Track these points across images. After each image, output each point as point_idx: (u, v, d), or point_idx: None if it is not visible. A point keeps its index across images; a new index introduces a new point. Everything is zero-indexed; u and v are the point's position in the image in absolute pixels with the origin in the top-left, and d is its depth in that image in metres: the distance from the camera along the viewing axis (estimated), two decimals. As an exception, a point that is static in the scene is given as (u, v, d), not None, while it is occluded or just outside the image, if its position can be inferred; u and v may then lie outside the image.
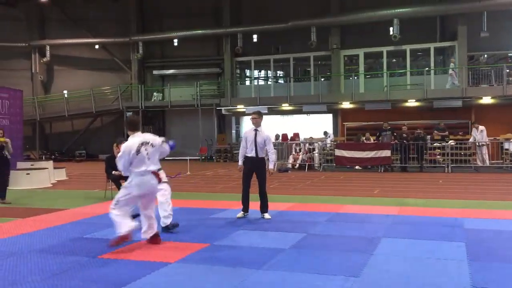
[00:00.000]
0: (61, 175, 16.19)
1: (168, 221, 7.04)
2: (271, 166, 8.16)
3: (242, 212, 8.18)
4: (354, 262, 5.32)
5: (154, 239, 6.30)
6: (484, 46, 23.49)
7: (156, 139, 6.31)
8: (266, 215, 8.10)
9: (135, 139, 6.13)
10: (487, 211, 8.71)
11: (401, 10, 23.17)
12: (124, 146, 6.13)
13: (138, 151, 6.03)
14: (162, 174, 6.67)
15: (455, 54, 23.16)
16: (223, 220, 7.94)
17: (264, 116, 8.77)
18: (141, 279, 4.78)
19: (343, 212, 8.70)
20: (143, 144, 6.10)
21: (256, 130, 8.17)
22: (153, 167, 6.17)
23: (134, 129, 6.27)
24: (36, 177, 13.89)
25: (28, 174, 13.85)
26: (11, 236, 6.91)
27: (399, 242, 6.31)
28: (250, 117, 8.46)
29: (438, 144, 18.59)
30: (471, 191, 11.92)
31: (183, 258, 5.58)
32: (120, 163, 6.11)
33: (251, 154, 8.09)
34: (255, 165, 8.12)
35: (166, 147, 6.48)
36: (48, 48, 29.40)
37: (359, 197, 10.81)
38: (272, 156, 8.20)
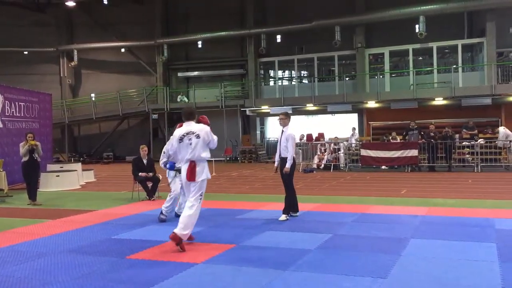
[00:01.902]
0: (89, 177, 16.48)
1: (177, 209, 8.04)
2: (287, 164, 8.11)
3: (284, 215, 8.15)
4: (381, 263, 5.25)
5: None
6: (514, 42, 22.95)
7: (203, 130, 6.28)
8: (281, 217, 8.02)
9: (182, 128, 6.31)
10: (519, 211, 8.49)
11: (427, 7, 22.78)
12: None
13: (181, 139, 6.21)
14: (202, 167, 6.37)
15: (484, 50, 22.66)
16: (249, 221, 7.95)
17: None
18: (168, 279, 4.82)
19: (370, 213, 8.61)
20: (187, 133, 6.20)
21: (282, 131, 8.28)
22: (195, 156, 6.17)
23: (186, 119, 6.38)
24: (65, 179, 14.16)
25: (58, 176, 14.12)
26: (42, 237, 7.07)
27: (428, 243, 6.20)
28: (278, 117, 8.54)
29: (467, 143, 18.22)
30: (501, 190, 11.64)
31: (210, 258, 5.60)
32: (166, 148, 6.46)
33: (277, 153, 8.38)
34: (281, 165, 8.26)
35: (214, 138, 6.42)
36: (75, 52, 29.99)
37: (386, 197, 10.68)
38: (289, 155, 8.09)
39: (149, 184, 11.03)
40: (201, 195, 6.24)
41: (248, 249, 6.07)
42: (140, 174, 10.92)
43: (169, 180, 8.49)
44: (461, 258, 5.40)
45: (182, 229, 5.98)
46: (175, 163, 7.65)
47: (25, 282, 4.86)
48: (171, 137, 6.51)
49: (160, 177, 11.30)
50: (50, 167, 15.48)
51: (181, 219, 6.07)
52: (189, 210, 6.10)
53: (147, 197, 10.92)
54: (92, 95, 29.72)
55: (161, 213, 8.22)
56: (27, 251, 6.19)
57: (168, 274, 4.99)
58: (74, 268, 5.30)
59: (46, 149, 15.66)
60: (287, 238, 6.64)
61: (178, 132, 6.31)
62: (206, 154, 6.28)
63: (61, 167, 15.38)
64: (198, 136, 6.19)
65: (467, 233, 6.65)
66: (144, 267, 5.31)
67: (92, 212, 9.38)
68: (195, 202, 6.16)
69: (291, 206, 8.21)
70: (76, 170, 14.93)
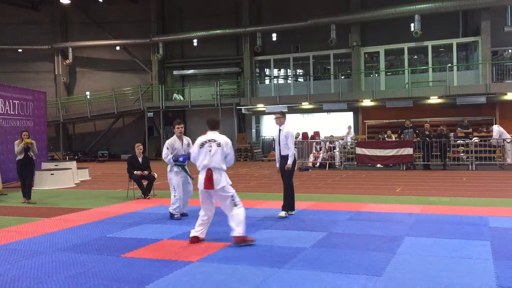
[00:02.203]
0: (84, 175, 16.43)
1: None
2: (289, 161, 8.19)
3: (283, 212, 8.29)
4: (376, 261, 5.26)
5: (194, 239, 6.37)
6: (508, 41, 23.02)
7: (224, 141, 6.39)
8: (281, 213, 8.16)
9: (206, 136, 6.45)
10: (513, 209, 8.53)
11: (422, 6, 22.81)
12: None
13: (202, 145, 6.34)
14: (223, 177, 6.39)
15: (478, 49, 22.75)
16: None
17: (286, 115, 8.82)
18: (163, 277, 4.82)
19: (365, 211, 8.63)
20: (209, 140, 6.34)
21: (279, 130, 8.37)
22: (212, 164, 6.23)
23: (211, 128, 6.54)
24: (60, 178, 14.12)
25: (53, 174, 14.08)
26: (36, 235, 7.04)
27: (422, 241, 6.22)
28: (274, 117, 8.62)
29: (461, 142, 18.30)
30: (496, 189, 11.69)
31: (205, 257, 5.60)
32: (191, 154, 6.60)
33: (277, 152, 8.49)
34: (281, 163, 8.35)
35: (231, 153, 6.51)
36: (70, 50, 29.84)
37: (381, 196, 10.71)
38: (290, 152, 8.25)
39: (144, 183, 11.01)
40: (233, 198, 6.27)
41: (243, 247, 6.06)
42: (135, 172, 10.90)
43: (173, 178, 8.33)
44: (456, 256, 5.42)
45: (237, 231, 6.13)
46: (185, 155, 7.98)
47: (20, 280, 4.85)
48: (195, 143, 6.62)
49: (156, 175, 11.29)
50: (45, 165, 15.43)
51: (232, 219, 6.20)
52: (235, 211, 6.21)
53: (142, 195, 10.91)
54: (87, 93, 29.61)
55: (173, 214, 8.21)
56: (22, 249, 6.17)
57: (162, 272, 4.99)
58: (69, 267, 5.29)
59: (41, 147, 15.61)
60: (282, 236, 6.65)
61: (201, 138, 6.44)
62: (223, 165, 6.32)
63: (55, 166, 15.32)
64: (219, 145, 6.31)
65: (461, 231, 6.68)
66: (139, 266, 5.30)
67: (87, 210, 9.36)
68: (232, 205, 6.25)
69: (290, 203, 8.29)
70: (70, 169, 14.88)
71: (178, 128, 8.51)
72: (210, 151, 6.27)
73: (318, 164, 19.21)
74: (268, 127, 27.60)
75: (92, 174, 17.27)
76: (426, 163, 17.48)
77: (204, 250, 5.90)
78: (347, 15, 24.75)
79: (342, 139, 20.32)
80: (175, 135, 8.52)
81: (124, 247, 6.15)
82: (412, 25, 23.05)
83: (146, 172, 10.98)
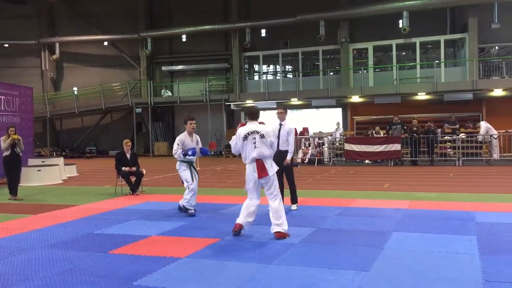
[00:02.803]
0: (71, 171, 16.30)
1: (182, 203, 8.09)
2: (288, 156, 8.29)
3: None
4: (364, 256, 5.29)
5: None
6: (495, 38, 23.23)
7: (265, 130, 6.50)
8: (292, 206, 8.46)
9: (246, 127, 6.53)
10: (499, 205, 8.64)
11: (410, 2, 22.91)
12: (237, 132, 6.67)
13: (245, 138, 6.42)
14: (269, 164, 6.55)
15: (466, 46, 22.93)
16: (234, 215, 7.86)
17: (270, 111, 8.89)
18: (151, 274, 4.80)
19: (353, 206, 8.68)
20: (252, 132, 6.40)
21: (280, 125, 8.39)
22: (261, 155, 6.35)
23: (251, 118, 6.64)
24: (47, 174, 13.99)
25: (39, 170, 13.95)
26: (22, 232, 6.98)
27: (410, 236, 6.27)
28: (276, 111, 8.65)
29: (448, 138, 18.45)
30: (482, 184, 11.83)
31: (194, 253, 5.59)
32: (232, 145, 6.71)
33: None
34: (278, 158, 8.26)
35: (274, 140, 6.73)
36: (57, 45, 29.53)
37: (369, 191, 10.77)
38: (290, 148, 8.35)
39: (133, 179, 10.96)
40: (278, 190, 6.46)
41: (232, 243, 6.07)
42: (123, 168, 10.84)
43: (182, 173, 8.21)
44: (442, 251, 5.47)
45: (279, 225, 6.23)
46: (194, 148, 7.96)
47: (6, 277, 4.80)
48: (233, 136, 6.68)
49: (144, 171, 11.24)
50: (32, 161, 15.28)
51: (273, 215, 6.28)
52: (277, 204, 6.33)
53: (131, 191, 10.86)
54: (75, 88, 29.34)
55: (187, 209, 8.03)
56: (8, 246, 6.11)
57: (151, 268, 4.97)
58: (56, 263, 5.25)
59: (27, 143, 15.43)
60: (270, 232, 6.65)
61: (243, 130, 6.50)
62: (270, 152, 6.51)
63: (42, 162, 15.19)
64: (262, 136, 6.40)
65: (448, 226, 6.74)
66: (127, 262, 5.28)
67: (74, 207, 9.29)
68: (276, 195, 6.39)
69: (294, 195, 8.56)
70: (58, 165, 14.76)
71: (191, 124, 8.26)
72: (254, 143, 6.37)
73: (307, 160, 19.26)
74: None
75: (79, 171, 17.14)
76: (413, 159, 17.61)
77: (193, 246, 5.89)
78: (335, 12, 24.80)
79: (331, 135, 20.39)
80: (186, 131, 8.29)
81: (112, 243, 6.11)
82: (400, 21, 23.17)
83: (134, 169, 10.93)
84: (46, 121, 28.51)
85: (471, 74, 22.28)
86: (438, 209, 8.24)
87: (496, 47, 24.05)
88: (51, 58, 30.07)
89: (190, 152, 8.05)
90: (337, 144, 19.73)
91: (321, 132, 20.74)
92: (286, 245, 5.85)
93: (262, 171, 6.33)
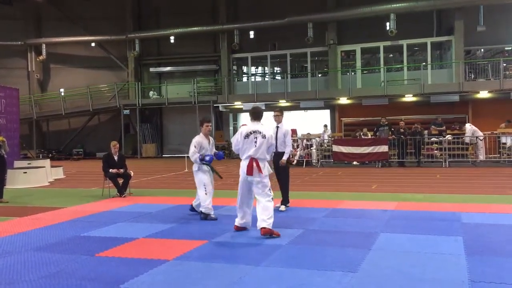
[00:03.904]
0: (58, 173, 16.15)
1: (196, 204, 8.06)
2: (284, 157, 8.39)
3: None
4: (352, 257, 5.31)
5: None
6: (481, 41, 23.49)
7: (268, 132, 6.60)
8: (281, 207, 8.53)
9: (249, 126, 6.62)
10: (485, 205, 8.72)
11: (397, 5, 23.11)
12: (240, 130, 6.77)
13: (247, 136, 6.50)
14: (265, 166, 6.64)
15: (452, 48, 23.16)
16: (221, 217, 7.92)
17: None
18: (138, 277, 4.77)
19: (341, 208, 8.71)
20: (254, 132, 6.49)
21: (277, 127, 8.52)
22: (257, 155, 6.43)
23: (254, 119, 6.70)
24: (33, 176, 13.85)
25: (25, 173, 13.80)
26: (8, 235, 6.89)
27: (397, 237, 6.31)
28: (273, 114, 8.74)
29: (435, 139, 18.61)
30: (468, 185, 11.94)
31: (181, 255, 5.57)
32: (233, 143, 6.75)
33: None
34: (275, 159, 8.54)
35: (274, 142, 6.88)
36: (44, 46, 29.26)
37: (357, 193, 10.81)
38: (287, 148, 8.47)
39: (120, 181, 10.89)
40: (269, 190, 6.51)
41: (219, 245, 6.06)
42: (111, 170, 10.77)
43: (201, 175, 7.93)
44: (429, 252, 5.51)
45: (265, 221, 6.27)
46: (211, 155, 7.88)
47: (-10, 281, 4.74)
48: (236, 134, 6.77)
49: (132, 173, 11.17)
50: (18, 163, 15.10)
51: (262, 211, 6.33)
52: (267, 201, 6.39)
53: (118, 194, 10.78)
54: (61, 90, 29.10)
55: (206, 214, 7.74)
56: (-7, 249, 6.03)
57: (138, 271, 4.93)
58: (41, 267, 5.19)
59: (13, 145, 15.25)
60: (259, 233, 6.63)
61: (245, 129, 6.55)
62: (268, 156, 6.62)
63: (28, 164, 15.02)
64: (264, 137, 6.48)
65: (434, 227, 6.79)
66: (114, 265, 5.24)
67: (61, 209, 9.20)
68: (268, 194, 6.46)
69: (286, 196, 8.70)
70: (44, 167, 14.61)
71: (208, 126, 7.99)
72: (255, 142, 6.43)
73: (295, 161, 19.26)
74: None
75: (66, 173, 16.98)
76: (401, 160, 17.74)
77: (180, 248, 5.86)
78: (324, 14, 24.93)
79: (319, 137, 20.45)
80: (201, 133, 8.00)
81: (99, 246, 6.06)
82: (387, 24, 23.33)
83: (121, 170, 10.86)
84: (33, 122, 28.25)
85: (457, 76, 22.51)
86: (425, 210, 8.30)
87: (482, 50, 24.31)
88: (37, 59, 29.81)
89: (207, 158, 7.79)
90: (325, 145, 19.80)
91: (309, 133, 20.79)
92: (274, 247, 5.85)
93: (253, 169, 6.37)
